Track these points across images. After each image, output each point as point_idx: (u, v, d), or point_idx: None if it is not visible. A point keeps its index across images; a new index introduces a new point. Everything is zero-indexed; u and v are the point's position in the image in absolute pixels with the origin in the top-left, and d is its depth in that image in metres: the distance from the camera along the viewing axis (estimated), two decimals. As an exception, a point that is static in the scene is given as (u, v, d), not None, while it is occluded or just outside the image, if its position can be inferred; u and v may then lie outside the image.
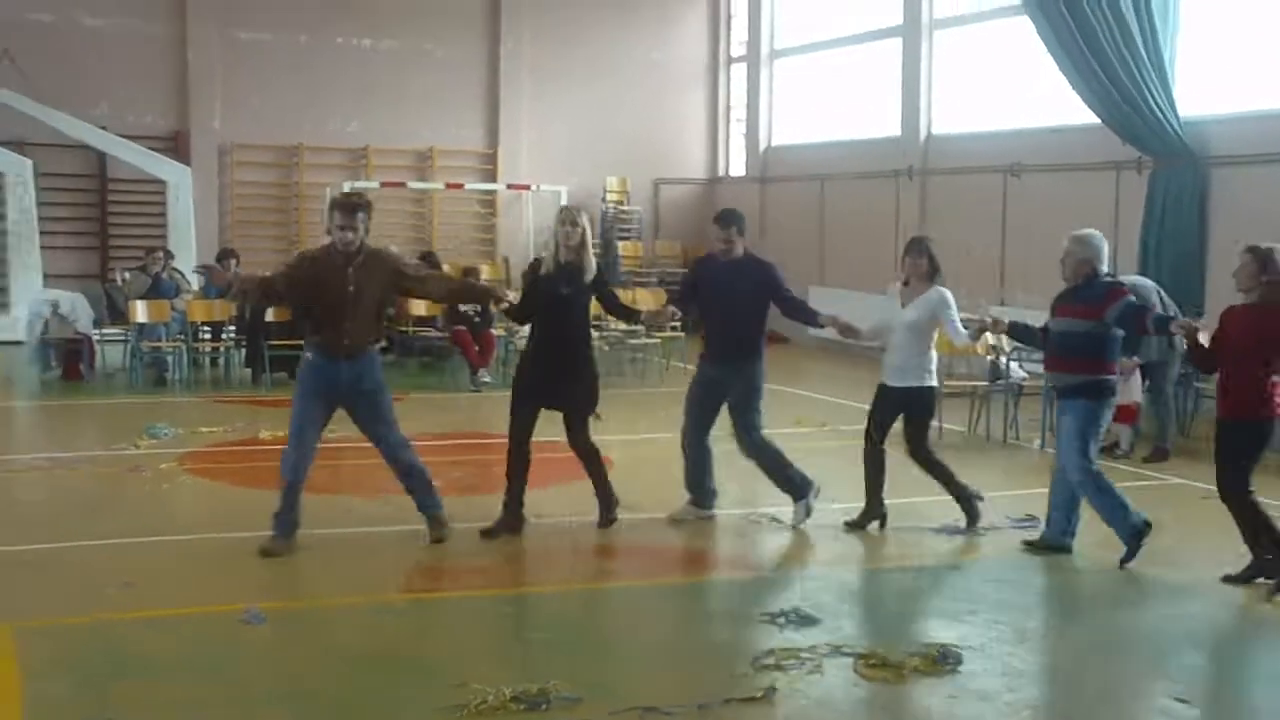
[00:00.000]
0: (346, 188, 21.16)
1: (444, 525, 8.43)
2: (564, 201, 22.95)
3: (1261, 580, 7.74)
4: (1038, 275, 16.75)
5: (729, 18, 25.54)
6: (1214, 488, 7.98)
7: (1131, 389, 12.01)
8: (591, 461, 8.97)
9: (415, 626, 6.91)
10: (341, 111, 23.30)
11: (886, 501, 9.12)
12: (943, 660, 6.32)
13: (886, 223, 20.01)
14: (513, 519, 8.69)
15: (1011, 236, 17.99)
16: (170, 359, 16.09)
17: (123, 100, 22.05)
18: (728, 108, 25.76)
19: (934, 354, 9.13)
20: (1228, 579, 7.84)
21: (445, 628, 6.85)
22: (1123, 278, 12.31)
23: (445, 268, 18.46)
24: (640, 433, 12.63)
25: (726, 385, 9.11)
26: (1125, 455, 11.93)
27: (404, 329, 17.43)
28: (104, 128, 21.04)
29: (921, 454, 9.08)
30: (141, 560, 7.94)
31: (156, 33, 22.31)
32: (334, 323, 8.05)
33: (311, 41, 23.08)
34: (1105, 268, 8.41)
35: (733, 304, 9.02)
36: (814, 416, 13.54)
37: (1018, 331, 8.99)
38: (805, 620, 6.95)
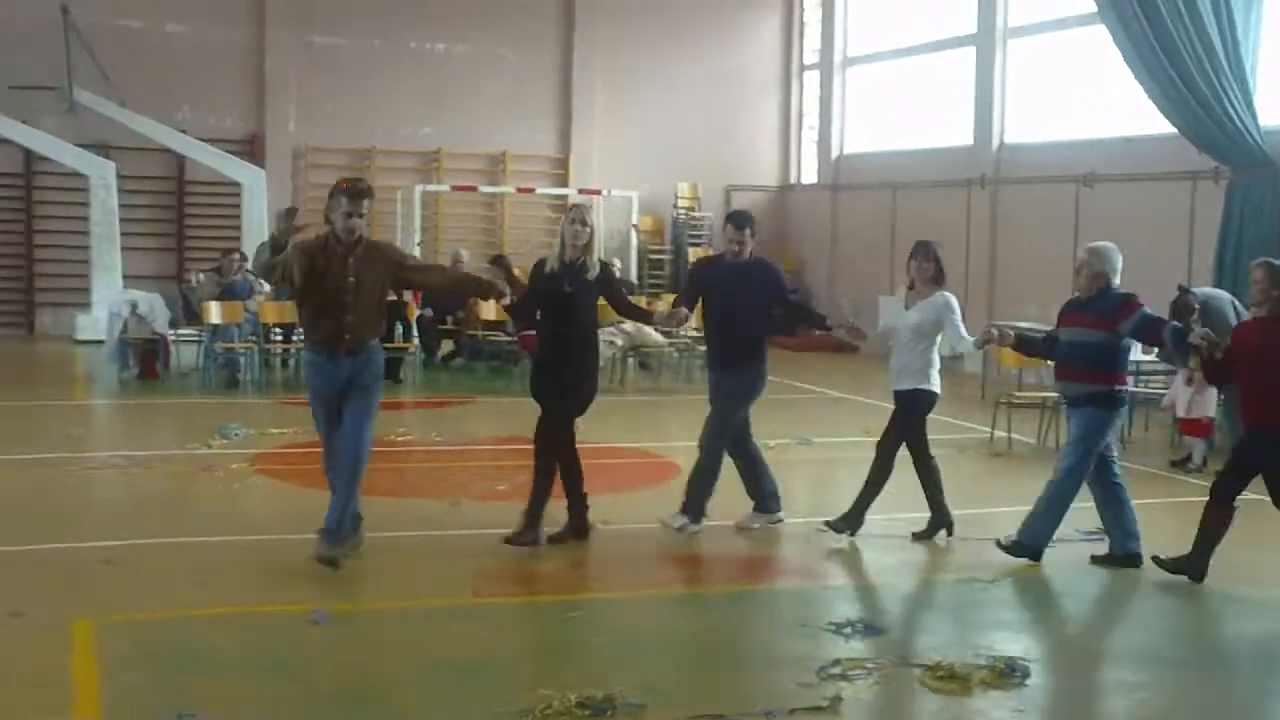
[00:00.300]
0: (418, 191, 21.42)
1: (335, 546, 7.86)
2: (635, 208, 23.08)
3: None
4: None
5: (802, 25, 25.49)
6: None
7: (1207, 403, 11.88)
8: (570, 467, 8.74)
9: (482, 631, 6.95)
10: (414, 115, 23.50)
11: (954, 511, 9.06)
12: (1010, 673, 6.27)
13: (958, 232, 19.88)
14: (579, 522, 8.71)
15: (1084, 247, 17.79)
16: (243, 360, 16.30)
17: (202, 104, 22.42)
18: (800, 115, 25.71)
19: (937, 358, 9.08)
20: None
21: (512, 632, 6.88)
22: (1197, 290, 12.26)
23: (515, 271, 18.53)
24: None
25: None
26: (1198, 469, 11.78)
27: (473, 333, 17.54)
28: (184, 131, 21.41)
29: (909, 456, 9.07)
30: (213, 559, 8.04)
31: (236, 38, 22.66)
32: (335, 316, 7.79)
33: (385, 46, 23.30)
34: (1118, 280, 8.36)
35: (733, 307, 8.98)
36: (881, 426, 13.45)
37: (1024, 344, 8.95)
38: (871, 630, 6.93)
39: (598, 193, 23.14)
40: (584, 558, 8.45)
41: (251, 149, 22.64)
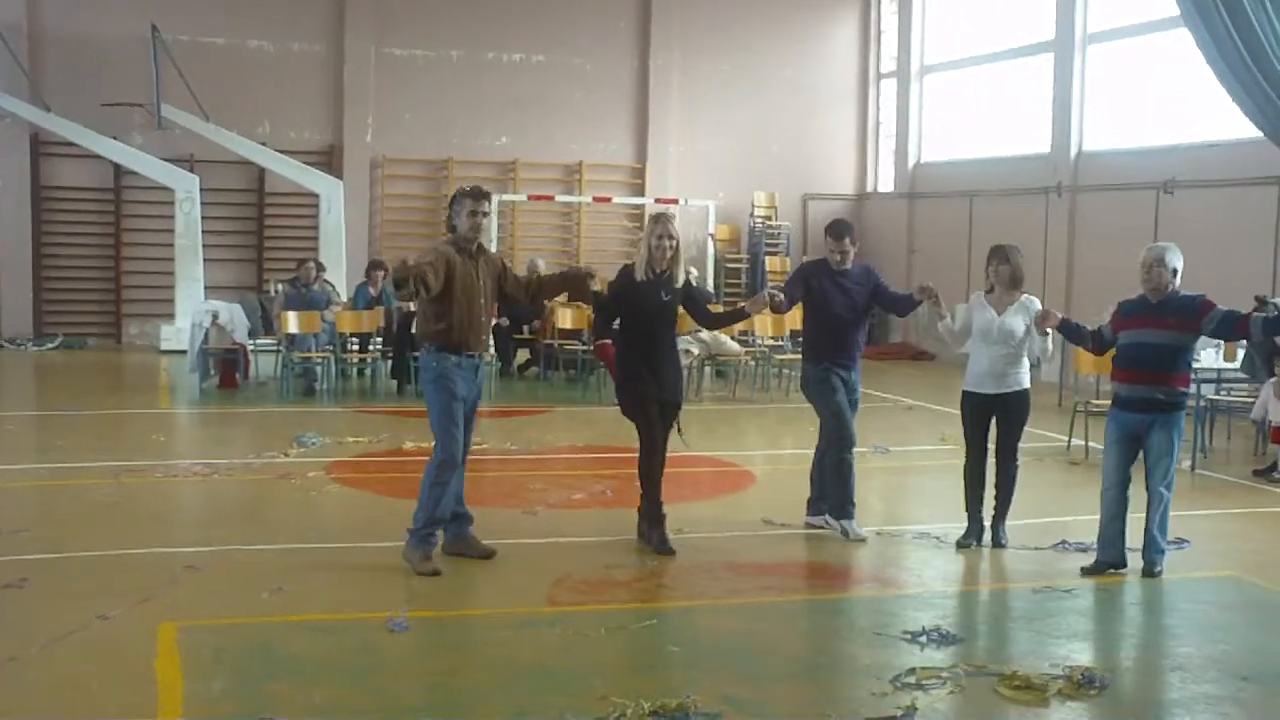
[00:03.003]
0: (495, 201, 21.52)
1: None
2: (711, 217, 23.08)
3: None
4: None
5: (879, 33, 25.40)
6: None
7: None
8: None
9: (557, 638, 6.98)
10: (491, 125, 23.68)
11: (1032, 520, 8.98)
12: (1087, 684, 6.21)
13: (1035, 240, 19.70)
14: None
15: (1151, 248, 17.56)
16: (319, 369, 16.47)
17: (282, 117, 22.77)
18: (877, 123, 25.61)
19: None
20: None
21: (586, 640, 6.90)
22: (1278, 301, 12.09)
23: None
24: (785, 447, 12.63)
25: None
26: (1286, 479, 11.61)
27: (549, 342, 17.63)
28: (264, 144, 21.75)
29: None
30: (291, 565, 8.14)
31: (315, 52, 22.98)
32: (473, 318, 8.09)
33: (463, 57, 23.50)
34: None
35: (852, 308, 9.20)
36: (958, 434, 13.36)
37: (1068, 329, 8.91)
38: (946, 639, 6.89)
39: (675, 202, 23.17)
40: (659, 566, 8.46)
41: (329, 160, 22.93)
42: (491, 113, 23.61)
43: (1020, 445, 9.10)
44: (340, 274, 20.26)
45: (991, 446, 9.06)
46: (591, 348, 16.35)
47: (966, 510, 9.06)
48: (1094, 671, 6.33)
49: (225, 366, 16.69)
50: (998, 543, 8.97)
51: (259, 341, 17.27)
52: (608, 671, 6.36)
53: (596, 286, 9.12)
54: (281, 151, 21.90)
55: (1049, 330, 8.75)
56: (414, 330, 15.99)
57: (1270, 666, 6.84)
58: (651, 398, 8.67)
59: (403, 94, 23.23)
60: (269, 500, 10.30)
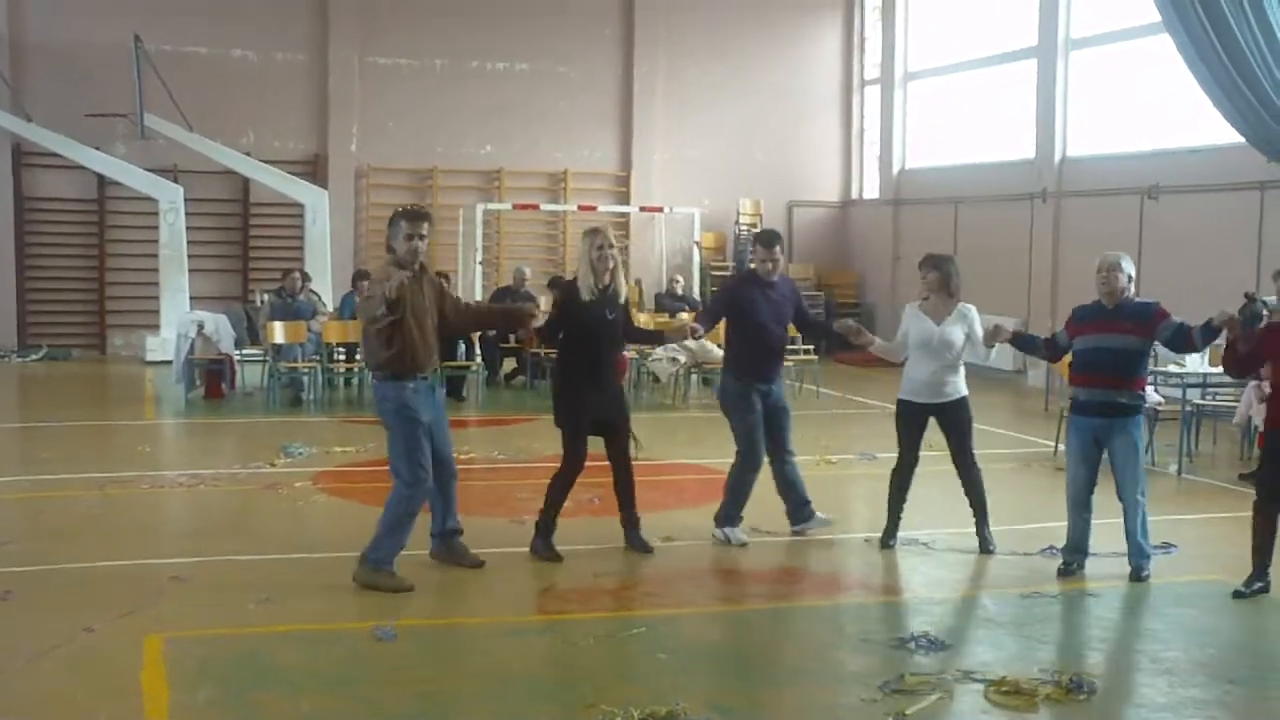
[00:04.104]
0: (480, 210, 21.56)
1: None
2: (697, 225, 23.09)
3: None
4: (1175, 300, 16.38)
5: (863, 41, 25.46)
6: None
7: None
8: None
9: (545, 647, 6.97)
10: (476, 134, 23.68)
11: (1019, 526, 8.99)
12: (1076, 689, 6.21)
13: (1020, 246, 19.80)
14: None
15: (1148, 260, 17.63)
16: (305, 379, 16.44)
17: (266, 127, 22.75)
18: (861, 130, 25.66)
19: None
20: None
21: (575, 648, 6.89)
22: (1269, 299, 12.12)
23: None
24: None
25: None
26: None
27: (536, 351, 17.62)
28: (248, 154, 21.72)
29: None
30: (278, 576, 8.12)
31: (299, 61, 22.96)
32: (427, 341, 7.92)
33: (447, 65, 23.50)
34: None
35: (777, 322, 9.25)
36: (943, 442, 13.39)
37: (1020, 341, 9.07)
38: (935, 645, 6.89)
39: (659, 210, 23.21)
40: (647, 574, 8.46)
41: (314, 170, 22.90)
42: (476, 121, 23.60)
43: (974, 449, 9.17)
44: (326, 283, 20.23)
45: (921, 454, 9.20)
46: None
47: (889, 511, 9.17)
48: (1082, 676, 6.34)
49: (211, 377, 16.64)
50: (985, 549, 8.99)
51: (245, 352, 17.23)
52: (596, 680, 6.35)
53: (539, 323, 8.95)
54: (266, 161, 21.88)
55: (994, 344, 8.87)
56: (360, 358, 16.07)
57: (1257, 670, 6.86)
58: (590, 417, 8.65)
59: (387, 103, 23.21)
60: (255, 511, 10.27)
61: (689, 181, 24.34)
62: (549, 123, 23.91)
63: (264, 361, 16.86)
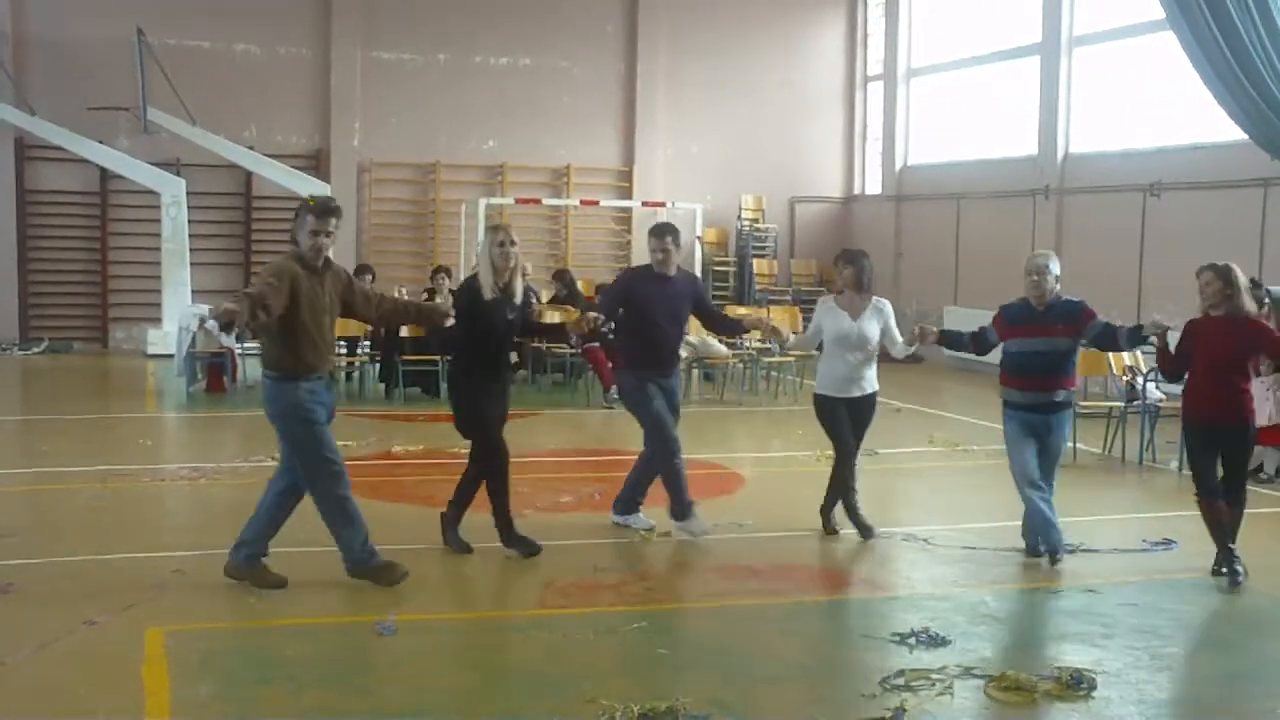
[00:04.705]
0: (483, 204, 21.55)
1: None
2: (699, 220, 23.08)
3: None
4: (1177, 297, 16.40)
5: (865, 37, 25.43)
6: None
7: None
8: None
9: (546, 641, 6.98)
10: (479, 129, 23.67)
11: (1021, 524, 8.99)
12: (1076, 685, 6.22)
13: (1022, 243, 19.74)
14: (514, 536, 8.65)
15: (1150, 257, 17.66)
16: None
17: (269, 121, 22.74)
18: (864, 126, 25.64)
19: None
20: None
21: (575, 643, 6.90)
22: (1277, 289, 12.18)
23: (579, 286, 18.64)
24: (773, 450, 12.64)
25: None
26: (1271, 480, 11.63)
27: (538, 345, 17.61)
28: (251, 148, 21.72)
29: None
30: (279, 569, 8.11)
31: (302, 56, 22.95)
32: (319, 339, 7.61)
33: (450, 61, 23.49)
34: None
35: (671, 315, 9.18)
36: (946, 436, 13.41)
37: (949, 339, 9.18)
38: (935, 641, 6.90)
39: (662, 205, 23.19)
40: (648, 569, 8.47)
41: (316, 164, 22.90)
42: (479, 116, 23.59)
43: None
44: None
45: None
46: (581, 351, 16.35)
47: (839, 500, 9.29)
48: (1082, 672, 6.35)
49: (213, 370, 16.66)
50: (830, 529, 9.22)
51: (247, 345, 17.23)
52: (597, 674, 6.36)
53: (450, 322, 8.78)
54: (268, 155, 21.87)
55: (915, 344, 9.00)
56: (402, 335, 16.13)
57: (1256, 666, 6.87)
58: (496, 416, 8.61)
59: (390, 98, 23.21)
60: (256, 504, 10.24)
61: (691, 177, 24.33)
62: (552, 118, 23.90)
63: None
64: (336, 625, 7.16)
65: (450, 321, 8.39)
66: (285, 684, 6.16)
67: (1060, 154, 19.78)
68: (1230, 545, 8.24)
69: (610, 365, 16.17)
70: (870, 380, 9.16)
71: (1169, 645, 7.10)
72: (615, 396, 15.95)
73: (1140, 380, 13.09)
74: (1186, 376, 8.52)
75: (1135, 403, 12.99)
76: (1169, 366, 8.67)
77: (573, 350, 16.94)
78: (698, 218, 23.29)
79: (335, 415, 7.85)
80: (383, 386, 16.66)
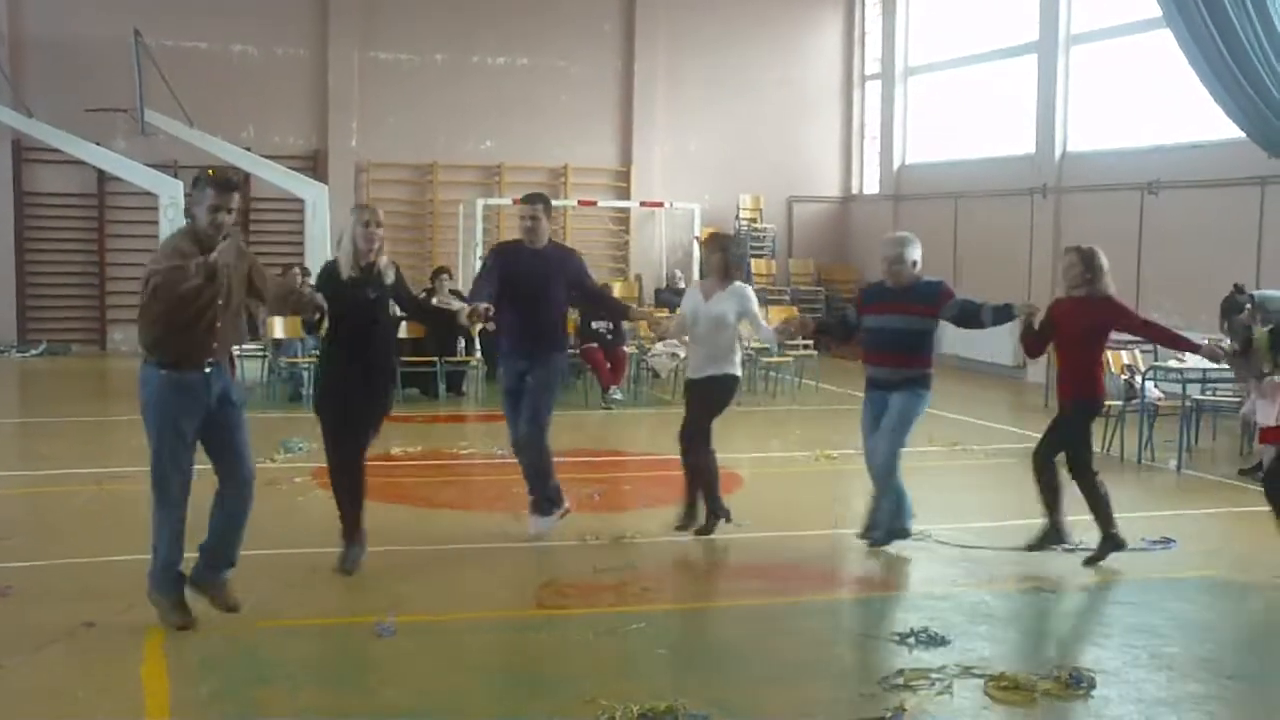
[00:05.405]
0: (480, 205, 21.53)
1: None
2: (697, 220, 23.07)
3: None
4: (1175, 294, 16.43)
5: (863, 35, 25.43)
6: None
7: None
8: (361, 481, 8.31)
9: (544, 642, 6.98)
10: (476, 129, 23.66)
11: (1022, 521, 8.99)
12: (1075, 684, 6.22)
13: (1020, 241, 19.79)
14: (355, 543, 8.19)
15: (1148, 255, 17.66)
16: (305, 374, 16.42)
17: (266, 122, 22.73)
18: (862, 125, 25.64)
19: (739, 347, 9.34)
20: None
21: (575, 644, 6.90)
22: (1260, 292, 12.16)
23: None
24: (773, 450, 12.63)
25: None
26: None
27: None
28: (248, 149, 21.70)
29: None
30: (278, 571, 8.11)
31: (300, 56, 22.94)
32: (207, 325, 6.94)
33: (447, 61, 23.48)
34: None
35: (537, 295, 8.83)
36: (946, 436, 13.40)
37: (823, 328, 9.38)
38: (935, 640, 6.89)
39: (660, 205, 23.20)
40: (647, 569, 8.45)
41: (314, 165, 22.89)
42: (476, 116, 23.58)
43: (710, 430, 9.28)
44: (326, 278, 20.21)
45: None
46: (579, 351, 16.34)
47: (715, 498, 9.27)
48: (1081, 671, 6.35)
49: (211, 371, 16.60)
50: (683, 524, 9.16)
51: (245, 347, 17.21)
52: (596, 675, 6.35)
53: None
54: (266, 157, 21.82)
55: (792, 334, 9.07)
56: (400, 336, 16.10)
57: (1256, 665, 6.87)
58: (346, 405, 8.09)
59: (387, 98, 23.20)
60: (255, 506, 10.20)
61: (689, 176, 24.32)
62: (549, 118, 23.89)
63: (263, 357, 16.84)
64: (336, 626, 7.16)
65: (316, 319, 8.04)
66: (285, 684, 6.16)
67: (1058, 152, 19.78)
68: (1056, 517, 8.50)
69: (608, 367, 16.21)
70: (718, 364, 9.07)
71: (1168, 644, 7.09)
72: (614, 397, 16.00)
73: (1139, 379, 13.09)
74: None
75: (1134, 401, 12.99)
76: (1030, 343, 8.84)
77: (572, 351, 16.92)
78: (696, 218, 23.28)
79: (232, 407, 7.24)
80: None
